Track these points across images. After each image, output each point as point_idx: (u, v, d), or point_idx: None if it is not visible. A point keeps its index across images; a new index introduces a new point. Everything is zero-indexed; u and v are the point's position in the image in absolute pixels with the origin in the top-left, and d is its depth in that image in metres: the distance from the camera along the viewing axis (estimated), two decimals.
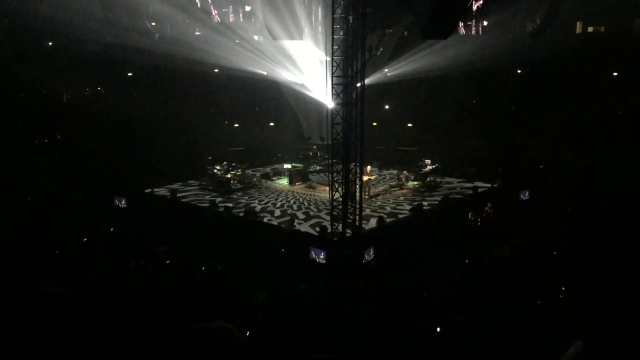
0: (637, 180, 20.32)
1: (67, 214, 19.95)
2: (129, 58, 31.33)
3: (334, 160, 19.08)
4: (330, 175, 19.14)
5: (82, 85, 34.22)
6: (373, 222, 20.29)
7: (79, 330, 1.13)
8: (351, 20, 18.30)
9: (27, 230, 17.32)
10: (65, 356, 1.10)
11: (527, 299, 12.75)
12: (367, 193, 22.51)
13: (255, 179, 26.45)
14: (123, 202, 22.34)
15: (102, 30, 35.18)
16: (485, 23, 38.42)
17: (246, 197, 23.92)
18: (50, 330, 1.09)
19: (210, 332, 1.82)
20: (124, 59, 31.71)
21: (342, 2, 18.07)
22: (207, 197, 23.36)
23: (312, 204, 22.90)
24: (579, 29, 41.37)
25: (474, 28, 39.74)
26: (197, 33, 33.12)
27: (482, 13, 35.16)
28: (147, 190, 23.91)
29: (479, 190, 23.84)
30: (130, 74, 34.28)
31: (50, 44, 33.05)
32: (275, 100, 29.71)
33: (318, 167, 27.71)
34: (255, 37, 30.58)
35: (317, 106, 26.01)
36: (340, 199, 18.70)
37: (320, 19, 25.50)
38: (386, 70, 30.57)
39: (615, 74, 31.27)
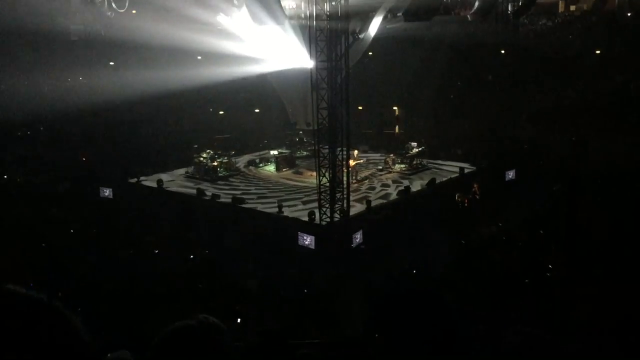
0: (622, 158, 20.51)
1: (53, 206, 19.81)
2: (112, 46, 30.99)
3: (321, 145, 19.07)
4: (317, 160, 19.12)
5: (64, 74, 33.80)
6: (361, 206, 20.31)
7: (51, 333, 1.11)
8: (334, 4, 18.21)
9: (13, 223, 17.16)
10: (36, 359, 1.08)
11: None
12: (354, 177, 22.52)
13: (242, 166, 26.37)
14: (109, 193, 22.19)
15: (84, 19, 34.71)
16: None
17: (233, 185, 23.86)
18: (20, 333, 1.07)
19: (190, 330, 1.80)
20: (107, 48, 31.39)
21: None
22: (193, 185, 23.26)
23: (299, 189, 22.89)
24: (561, 8, 41.46)
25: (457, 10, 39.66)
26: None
27: None
28: (133, 180, 23.75)
29: (465, 171, 23.94)
30: (112, 63, 33.91)
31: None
32: (260, 86, 29.53)
33: (305, 153, 27.65)
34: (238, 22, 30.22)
35: (302, 91, 25.88)
36: (328, 184, 18.71)
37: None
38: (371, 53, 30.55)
39: (598, 52, 31.40)
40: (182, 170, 25.46)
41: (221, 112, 32.53)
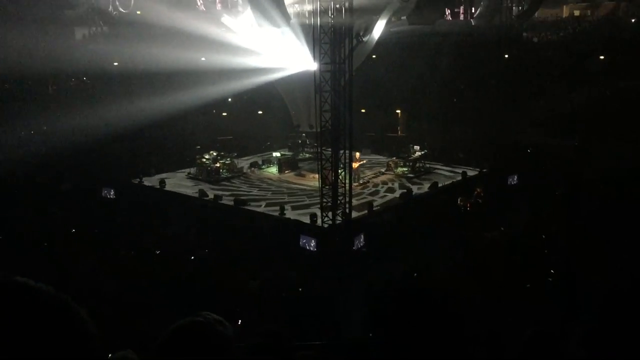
0: (625, 163, 20.48)
1: (56, 206, 19.83)
2: (114, 48, 31.08)
3: (323, 148, 19.06)
4: (319, 162, 19.12)
5: (68, 75, 33.87)
6: (363, 209, 20.29)
7: (60, 325, 1.11)
8: (338, 7, 18.24)
9: (15, 222, 17.19)
10: (44, 351, 1.09)
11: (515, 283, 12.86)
12: (356, 180, 22.51)
13: (244, 168, 26.37)
14: (112, 193, 22.21)
15: (89, 20, 34.85)
16: (473, 9, 38.41)
17: (235, 186, 23.87)
18: (29, 325, 1.08)
19: (198, 325, 1.81)
20: (110, 49, 31.47)
21: None
22: (196, 187, 23.26)
23: (301, 191, 22.88)
24: (565, 13, 41.51)
25: (462, 14, 39.72)
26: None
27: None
28: (136, 181, 23.77)
29: (468, 175, 23.92)
30: (116, 64, 33.95)
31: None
32: (263, 88, 29.56)
33: (307, 155, 27.66)
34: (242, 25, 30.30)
35: (305, 94, 25.91)
36: (330, 186, 18.69)
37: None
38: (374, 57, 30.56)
39: (601, 57, 31.39)
40: (184, 172, 25.48)
41: (224, 114, 32.55)
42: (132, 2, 32.34)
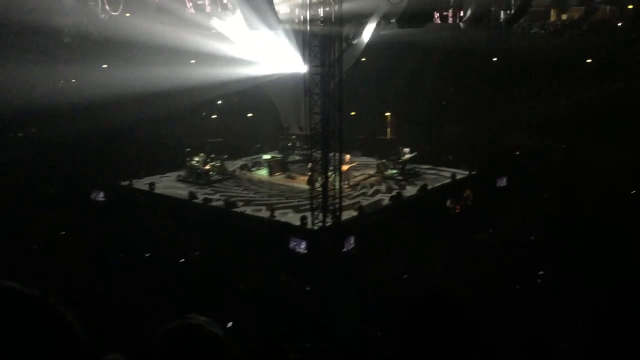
0: (613, 165, 20.65)
1: (44, 208, 19.70)
2: (103, 50, 30.90)
3: (313, 150, 19.08)
4: (310, 165, 19.13)
5: (56, 77, 33.62)
6: (353, 211, 20.31)
7: (45, 329, 1.11)
8: (328, 9, 18.27)
9: (3, 225, 17.07)
10: (29, 356, 1.08)
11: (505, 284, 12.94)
12: (346, 182, 22.52)
13: (234, 170, 26.31)
14: (101, 196, 22.09)
15: (75, 21, 34.59)
16: (461, 12, 38.56)
17: (225, 188, 23.82)
18: (13, 329, 1.07)
19: (190, 327, 1.80)
20: (98, 51, 31.28)
21: None
22: (185, 189, 23.18)
23: (291, 193, 22.87)
24: (552, 17, 41.76)
25: (450, 18, 39.84)
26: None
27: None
28: (125, 183, 23.65)
29: (458, 177, 23.99)
30: (105, 66, 33.78)
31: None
32: (253, 91, 29.51)
33: (297, 157, 27.64)
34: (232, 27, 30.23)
35: (295, 96, 25.91)
36: (320, 189, 18.71)
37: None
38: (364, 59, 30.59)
39: (588, 60, 31.63)
40: (174, 174, 25.37)
41: (214, 116, 32.47)
42: (121, 6, 32.15)
